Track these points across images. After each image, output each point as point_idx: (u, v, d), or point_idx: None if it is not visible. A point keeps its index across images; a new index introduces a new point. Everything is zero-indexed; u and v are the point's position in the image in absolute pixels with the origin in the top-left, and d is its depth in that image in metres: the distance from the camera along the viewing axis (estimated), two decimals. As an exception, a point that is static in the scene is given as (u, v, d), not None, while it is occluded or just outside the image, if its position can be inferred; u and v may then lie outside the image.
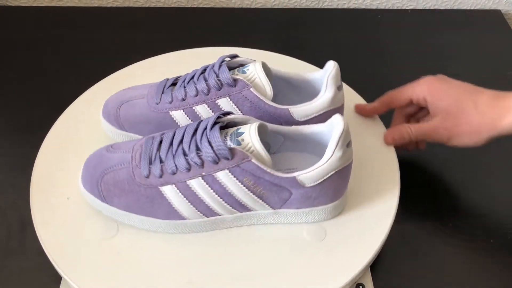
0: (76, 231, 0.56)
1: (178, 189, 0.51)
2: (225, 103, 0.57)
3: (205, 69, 0.59)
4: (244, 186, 0.51)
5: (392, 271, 0.59)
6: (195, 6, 0.96)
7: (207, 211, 0.53)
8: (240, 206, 0.53)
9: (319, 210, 0.56)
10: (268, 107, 0.57)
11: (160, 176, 0.51)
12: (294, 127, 0.56)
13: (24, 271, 0.57)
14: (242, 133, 0.51)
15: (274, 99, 0.58)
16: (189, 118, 0.58)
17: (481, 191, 0.67)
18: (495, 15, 0.97)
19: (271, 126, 0.55)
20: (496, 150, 0.71)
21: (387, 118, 0.69)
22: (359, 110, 0.69)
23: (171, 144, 0.52)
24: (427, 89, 0.61)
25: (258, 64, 0.57)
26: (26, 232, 0.60)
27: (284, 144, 0.58)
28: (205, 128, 0.51)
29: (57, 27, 0.89)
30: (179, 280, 0.52)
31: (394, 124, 0.67)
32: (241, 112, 0.57)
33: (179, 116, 0.58)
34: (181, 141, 0.52)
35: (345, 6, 0.98)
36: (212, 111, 0.58)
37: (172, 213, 0.52)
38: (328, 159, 0.52)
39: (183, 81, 0.59)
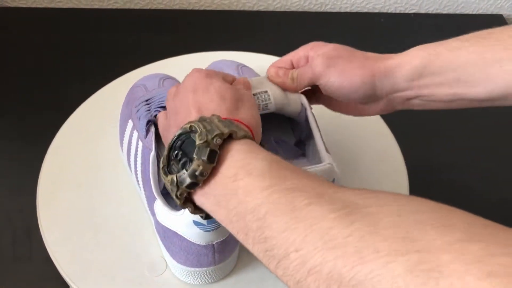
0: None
1: (132, 127, 0.56)
2: None
3: None
4: (141, 165, 0.53)
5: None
6: (196, 8, 0.96)
7: (128, 161, 0.57)
8: (138, 181, 0.54)
9: (168, 257, 0.52)
10: None
11: (137, 111, 0.56)
12: None
13: (31, 277, 0.57)
14: None
15: None
16: None
17: (493, 197, 0.67)
18: (497, 19, 0.97)
19: None
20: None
21: (388, 120, 0.69)
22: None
23: (160, 100, 0.56)
24: None
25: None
26: (32, 238, 0.59)
27: None
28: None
29: (58, 29, 0.88)
30: None
31: None
32: None
33: None
34: (160, 104, 0.55)
35: (348, 10, 0.97)
36: None
37: (121, 137, 0.59)
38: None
39: None
